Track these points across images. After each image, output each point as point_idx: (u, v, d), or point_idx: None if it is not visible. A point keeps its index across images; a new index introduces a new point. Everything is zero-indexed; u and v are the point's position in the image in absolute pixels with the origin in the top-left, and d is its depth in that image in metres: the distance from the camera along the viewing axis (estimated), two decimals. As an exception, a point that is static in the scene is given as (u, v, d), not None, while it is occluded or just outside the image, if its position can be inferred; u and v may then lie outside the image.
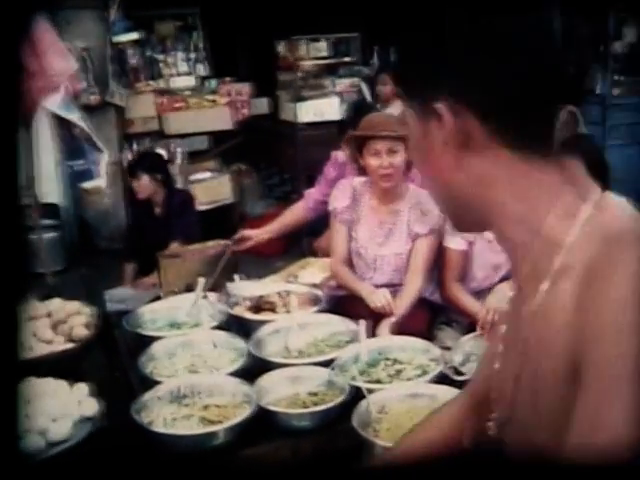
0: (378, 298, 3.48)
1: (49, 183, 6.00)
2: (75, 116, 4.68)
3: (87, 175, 4.96)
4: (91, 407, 2.77)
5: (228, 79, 8.50)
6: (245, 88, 8.49)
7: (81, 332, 3.15)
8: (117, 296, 4.95)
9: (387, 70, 6.82)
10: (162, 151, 5.18)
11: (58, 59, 4.45)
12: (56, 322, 3.19)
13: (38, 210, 5.23)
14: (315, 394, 2.89)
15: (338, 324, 3.37)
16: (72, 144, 4.85)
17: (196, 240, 4.59)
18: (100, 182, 4.90)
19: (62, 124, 4.80)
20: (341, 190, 3.82)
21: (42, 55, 4.35)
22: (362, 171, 3.79)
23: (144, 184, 5.02)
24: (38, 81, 4.36)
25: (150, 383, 2.97)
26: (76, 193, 7.52)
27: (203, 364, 3.12)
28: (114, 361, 4.12)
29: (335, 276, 3.86)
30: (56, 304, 3.35)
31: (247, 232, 4.30)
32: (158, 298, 4.12)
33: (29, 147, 4.91)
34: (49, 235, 6.37)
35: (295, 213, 4.55)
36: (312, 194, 4.55)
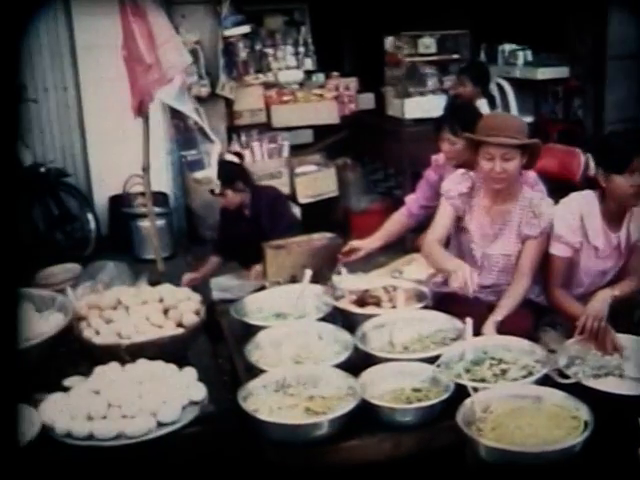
0: (457, 278, 3.36)
1: (160, 172, 6.15)
2: (188, 107, 4.78)
3: (199, 165, 5.04)
4: (199, 391, 2.83)
5: (335, 74, 8.53)
6: (352, 83, 8.50)
7: (190, 318, 3.22)
8: (222, 284, 5.02)
9: (467, 72, 6.73)
10: (232, 157, 5.14)
11: (174, 52, 4.56)
12: (167, 307, 3.27)
13: (151, 198, 5.36)
14: (419, 390, 2.89)
15: (444, 321, 3.35)
16: (186, 134, 4.93)
17: (291, 235, 4.58)
18: (211, 172, 4.98)
19: (176, 115, 4.91)
20: (461, 177, 3.73)
21: (159, 48, 4.46)
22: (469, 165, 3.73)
23: (229, 198, 5.06)
24: (154, 73, 4.48)
25: (255, 371, 3.02)
26: (185, 183, 7.69)
27: (308, 355, 3.16)
28: (218, 348, 4.22)
29: (428, 253, 3.71)
30: (167, 290, 3.43)
31: (356, 243, 4.23)
32: (262, 288, 4.16)
33: (146, 137, 5.05)
34: (159, 223, 6.54)
35: (397, 221, 4.47)
36: (413, 200, 4.47)
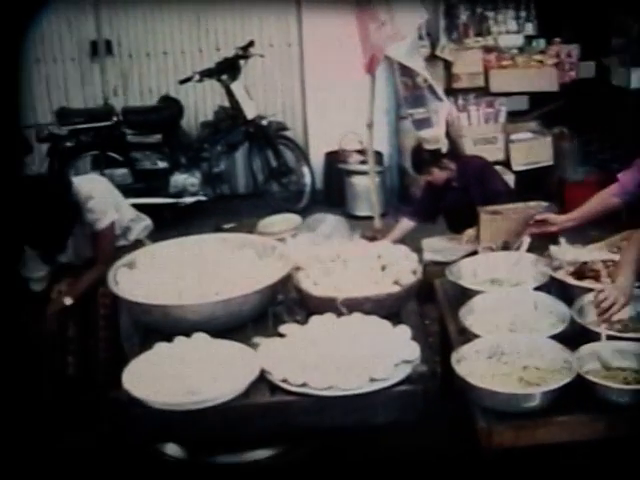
0: None
1: (376, 130, 6.19)
2: (419, 64, 4.74)
3: (426, 124, 5.03)
4: (412, 350, 2.85)
5: (557, 40, 8.25)
6: (574, 50, 8.20)
7: (407, 277, 3.24)
8: (434, 246, 5.04)
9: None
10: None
11: (409, 8, 4.52)
12: (384, 264, 3.31)
13: (373, 155, 5.40)
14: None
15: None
16: (414, 92, 4.91)
17: (501, 203, 4.50)
18: (438, 131, 4.95)
19: (405, 72, 4.88)
20: None
21: (393, 4, 4.44)
22: None
23: (436, 175, 5.06)
24: (388, 30, 4.47)
25: (468, 336, 3.00)
26: (399, 141, 7.72)
27: (522, 324, 3.10)
28: (425, 309, 4.24)
29: None
30: (385, 247, 3.47)
31: (552, 217, 4.03)
32: (474, 253, 4.13)
33: (372, 94, 5.08)
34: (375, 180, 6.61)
35: (603, 200, 4.14)
36: (629, 177, 4.15)
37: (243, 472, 2.98)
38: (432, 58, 7.55)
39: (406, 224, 5.32)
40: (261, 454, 2.97)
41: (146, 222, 4.17)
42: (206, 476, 3.03)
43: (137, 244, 3.91)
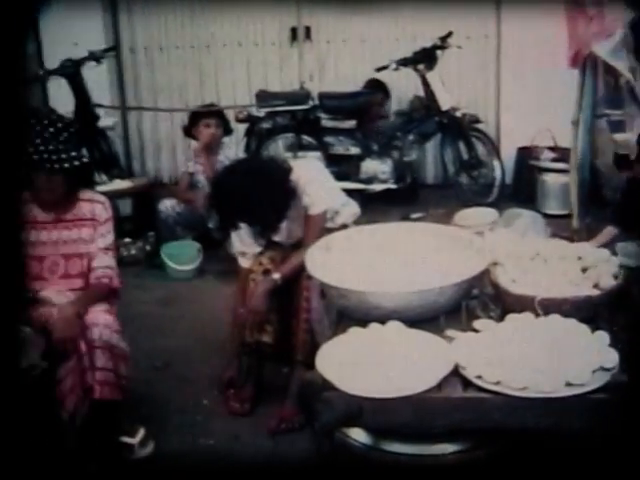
0: None
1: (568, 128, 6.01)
2: (623, 65, 4.58)
3: (620, 126, 4.86)
4: (610, 358, 2.75)
5: None
6: None
7: (608, 281, 3.14)
8: (629, 250, 4.83)
9: None
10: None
11: (618, 6, 4.38)
12: (585, 266, 3.21)
13: (575, 152, 5.27)
14: None
15: None
16: (614, 93, 4.77)
17: None
18: (630, 137, 4.78)
19: (610, 71, 4.74)
20: None
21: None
22: None
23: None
24: (595, 25, 4.35)
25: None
26: (593, 141, 7.46)
27: None
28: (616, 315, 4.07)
29: None
30: (586, 248, 3.37)
31: None
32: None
33: (580, 90, 4.93)
34: (564, 179, 6.46)
35: None
36: None
37: (424, 464, 2.97)
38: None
39: (609, 231, 5.14)
40: (444, 449, 2.95)
41: (354, 208, 4.24)
42: (387, 464, 3.04)
43: (342, 229, 3.96)
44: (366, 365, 2.73)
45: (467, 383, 2.69)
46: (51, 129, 3.54)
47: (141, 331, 4.82)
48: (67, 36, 7.67)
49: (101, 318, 3.50)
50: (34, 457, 3.15)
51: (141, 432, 3.72)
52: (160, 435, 3.83)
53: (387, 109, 7.65)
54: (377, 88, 7.46)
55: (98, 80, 7.41)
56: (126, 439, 3.66)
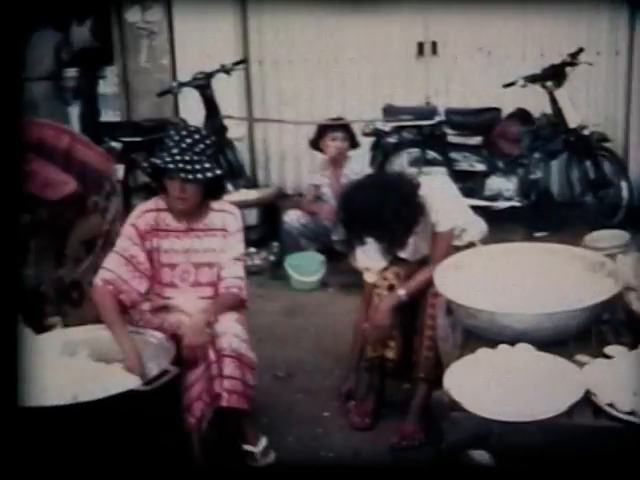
0: None
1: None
2: None
3: None
4: None
5: None
6: None
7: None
8: None
9: None
10: None
11: None
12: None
13: None
14: None
15: None
16: None
17: None
18: None
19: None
20: None
21: None
22: None
23: None
24: None
25: None
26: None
27: None
28: None
29: None
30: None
31: None
32: None
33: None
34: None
35: None
36: None
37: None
38: None
39: None
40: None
41: (482, 226, 4.23)
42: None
43: (470, 247, 3.95)
44: (496, 387, 2.72)
45: (597, 410, 2.65)
46: (188, 140, 3.66)
47: (263, 341, 4.90)
48: (200, 47, 7.93)
49: (231, 327, 3.59)
50: (160, 459, 3.28)
51: (263, 441, 3.79)
52: (281, 445, 3.89)
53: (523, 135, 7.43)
54: (524, 118, 7.29)
55: (227, 92, 7.61)
56: (249, 447, 3.74)
